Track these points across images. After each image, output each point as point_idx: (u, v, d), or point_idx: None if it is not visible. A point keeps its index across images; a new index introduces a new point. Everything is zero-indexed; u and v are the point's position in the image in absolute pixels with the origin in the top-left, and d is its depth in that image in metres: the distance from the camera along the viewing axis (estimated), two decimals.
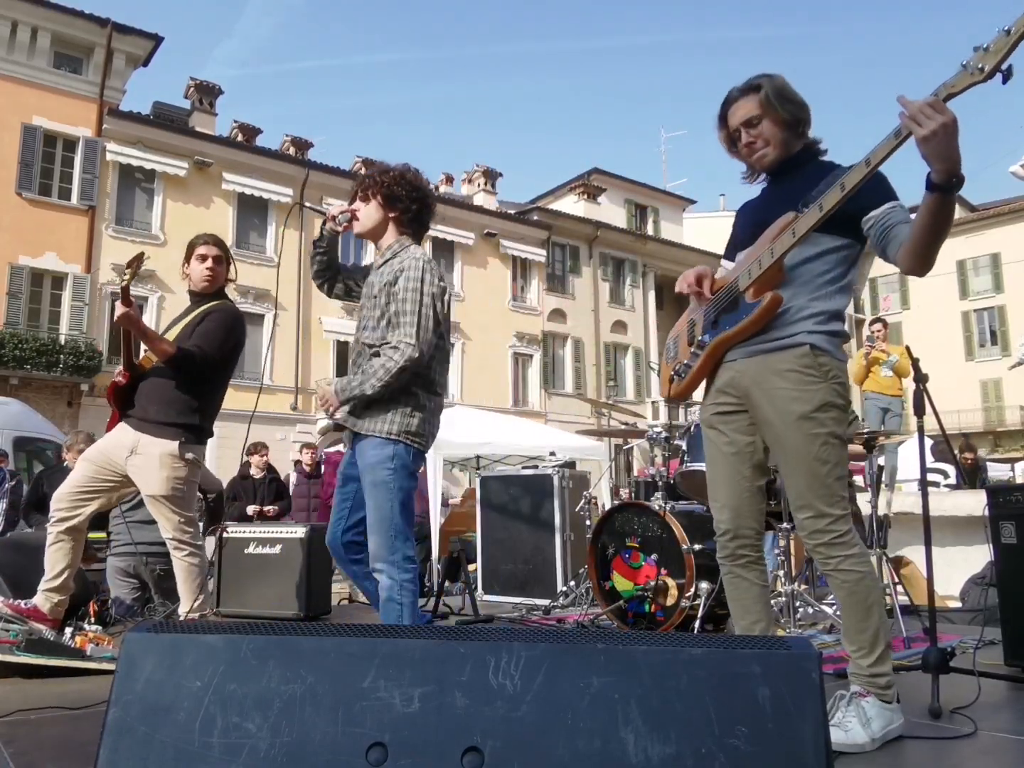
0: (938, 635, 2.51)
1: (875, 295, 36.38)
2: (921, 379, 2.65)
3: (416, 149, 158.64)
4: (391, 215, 2.73)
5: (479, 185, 27.23)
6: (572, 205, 28.69)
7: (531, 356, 26.11)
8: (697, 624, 3.56)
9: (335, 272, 2.90)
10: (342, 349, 22.33)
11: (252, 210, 21.37)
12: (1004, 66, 1.61)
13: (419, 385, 2.63)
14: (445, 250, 24.70)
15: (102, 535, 4.95)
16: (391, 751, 1.11)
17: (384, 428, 2.57)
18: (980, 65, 1.62)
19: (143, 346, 3.22)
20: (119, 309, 3.05)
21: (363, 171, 24.46)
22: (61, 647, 2.91)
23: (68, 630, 3.04)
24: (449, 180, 27.94)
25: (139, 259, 3.06)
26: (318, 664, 1.17)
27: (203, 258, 3.40)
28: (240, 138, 22.73)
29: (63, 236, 18.44)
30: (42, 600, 3.17)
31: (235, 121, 23.35)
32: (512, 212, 26.82)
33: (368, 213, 2.75)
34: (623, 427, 6.11)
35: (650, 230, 30.72)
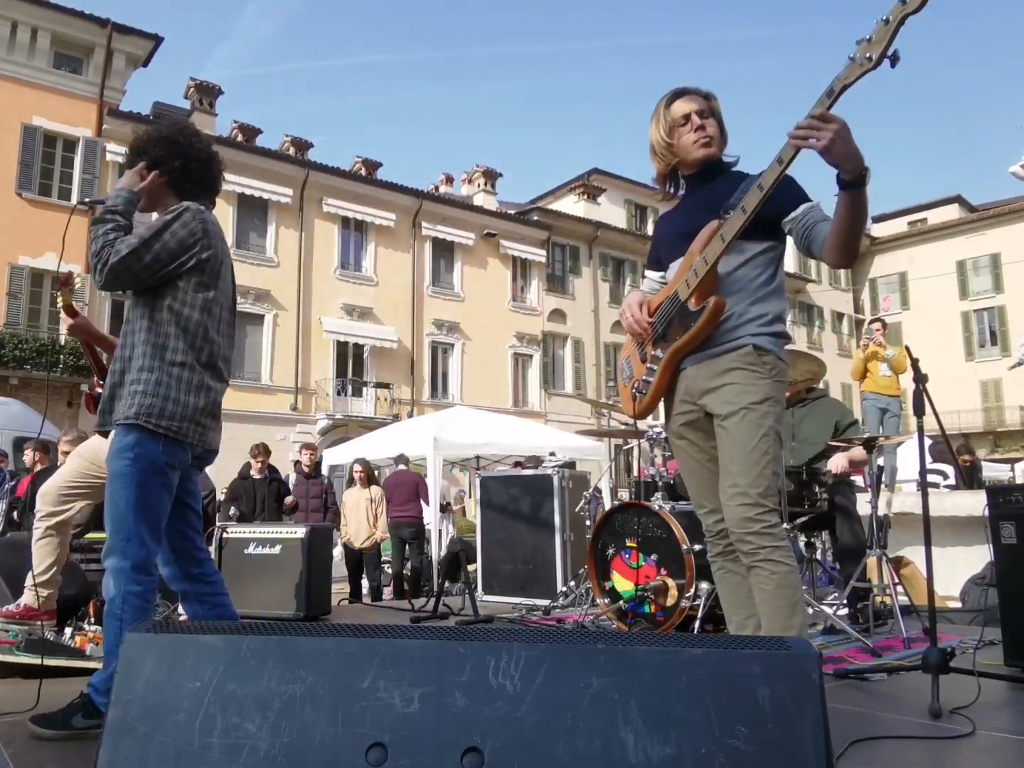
0: (938, 635, 2.51)
1: (875, 295, 36.38)
2: (921, 379, 2.64)
3: (416, 149, 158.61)
4: (159, 181, 2.42)
5: (479, 185, 27.24)
6: (572, 205, 28.70)
7: (531, 356, 26.11)
8: (697, 624, 3.56)
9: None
10: (342, 349, 22.33)
11: (252, 210, 21.37)
12: (890, 52, 1.73)
13: (177, 356, 2.28)
14: (445, 250, 24.71)
15: (103, 535, 4.95)
16: (391, 751, 1.10)
17: (122, 412, 2.24)
18: (868, 55, 1.75)
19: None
20: (66, 323, 2.86)
21: (364, 171, 24.29)
22: (61, 647, 2.91)
23: (68, 630, 3.04)
24: (449, 180, 27.95)
25: (68, 280, 2.86)
26: (318, 664, 1.17)
27: None
28: (240, 138, 22.73)
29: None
30: (31, 597, 3.17)
31: (235, 121, 23.39)
32: (512, 212, 26.82)
33: (133, 175, 2.41)
34: (623, 427, 6.10)
35: (650, 230, 30.70)
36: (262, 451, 7.62)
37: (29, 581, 3.19)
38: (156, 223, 2.28)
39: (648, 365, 2.35)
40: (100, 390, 3.08)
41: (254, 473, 7.55)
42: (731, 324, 2.17)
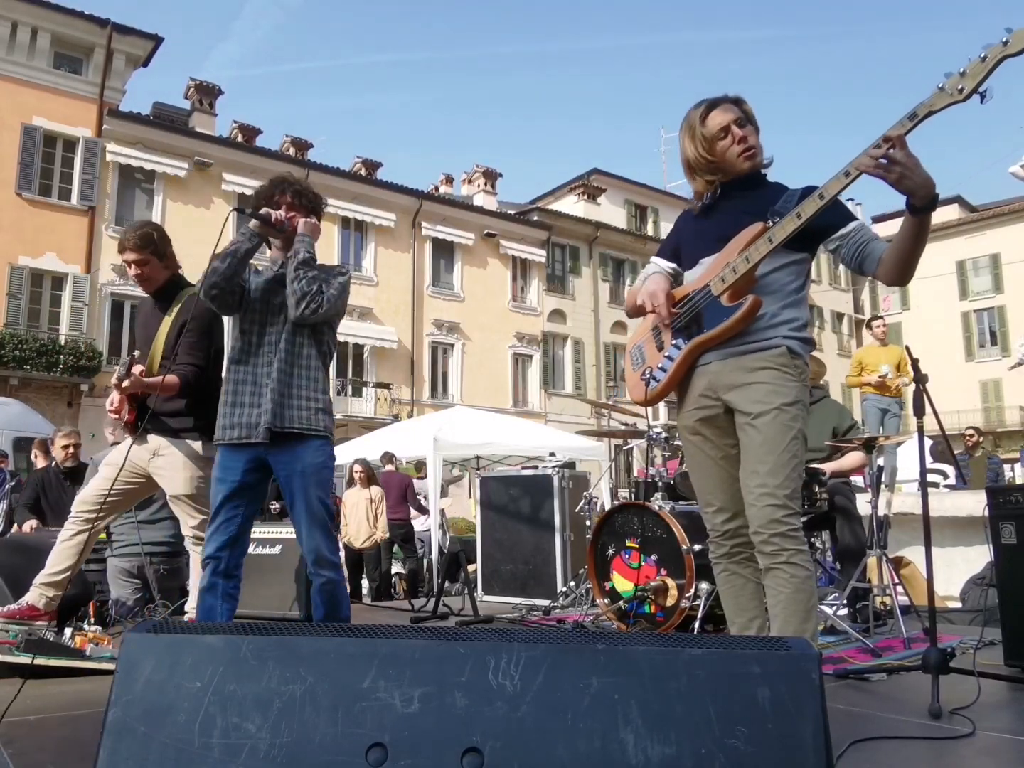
0: (938, 635, 2.51)
1: (875, 295, 36.38)
2: (921, 379, 2.65)
3: (416, 149, 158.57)
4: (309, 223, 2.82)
5: (479, 185, 27.23)
6: (572, 205, 28.68)
7: (531, 356, 26.10)
8: (697, 624, 3.56)
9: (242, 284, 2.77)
10: (342, 349, 22.33)
11: None
12: (982, 89, 1.76)
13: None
14: (445, 250, 24.71)
15: (103, 535, 4.95)
16: (391, 751, 1.10)
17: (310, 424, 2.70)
18: (959, 87, 1.78)
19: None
20: (120, 391, 3.15)
21: (364, 171, 24.25)
22: (61, 647, 2.91)
23: (68, 630, 3.04)
24: (449, 180, 27.93)
25: (133, 361, 3.16)
26: (318, 664, 1.17)
27: (127, 264, 3.33)
28: (240, 138, 22.71)
29: (63, 236, 18.43)
30: (36, 596, 3.18)
31: (235, 122, 23.35)
32: (512, 212, 26.81)
33: (315, 227, 2.81)
34: (623, 427, 6.10)
35: (650, 230, 30.70)
36: None
37: (38, 579, 3.20)
38: (342, 281, 2.77)
39: (665, 354, 2.34)
40: (130, 418, 3.29)
41: None
42: (764, 324, 2.18)
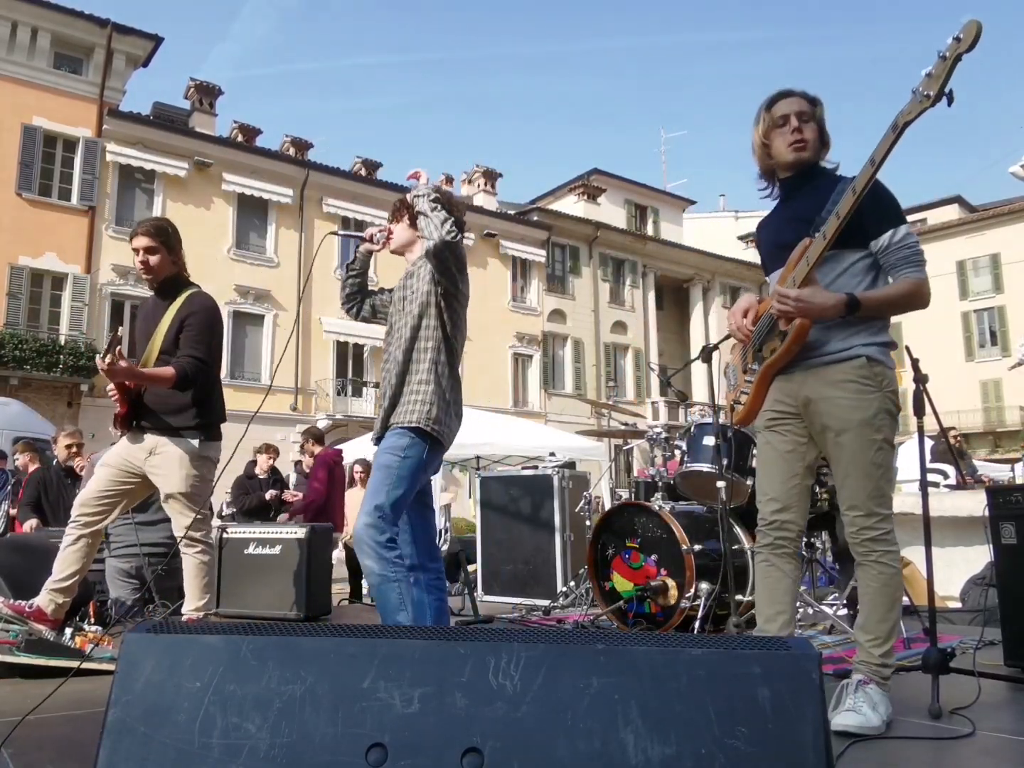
0: (938, 636, 2.50)
1: None
2: (921, 379, 2.64)
3: (416, 150, 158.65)
4: (418, 233, 2.88)
5: (479, 185, 27.23)
6: (572, 205, 28.69)
7: (531, 356, 26.10)
8: (697, 624, 3.56)
9: (365, 295, 3.06)
10: (342, 349, 22.34)
11: (252, 211, 21.37)
12: (947, 89, 1.77)
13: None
14: None
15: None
16: (391, 752, 1.10)
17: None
18: (927, 92, 1.79)
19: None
20: (112, 377, 3.09)
21: (364, 172, 24.34)
22: (61, 647, 2.91)
23: (68, 630, 3.04)
24: (449, 181, 27.89)
25: (116, 340, 3.06)
26: (318, 664, 1.17)
27: (135, 252, 3.33)
28: (240, 139, 22.73)
29: (63, 236, 18.44)
30: (46, 601, 3.18)
31: (235, 122, 23.37)
32: (512, 212, 26.82)
33: (399, 232, 2.98)
34: (623, 427, 6.11)
35: (650, 230, 30.73)
36: (271, 451, 7.63)
37: (48, 584, 3.20)
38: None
39: (747, 378, 2.42)
40: (122, 410, 3.26)
41: (259, 472, 7.56)
42: (841, 333, 2.21)
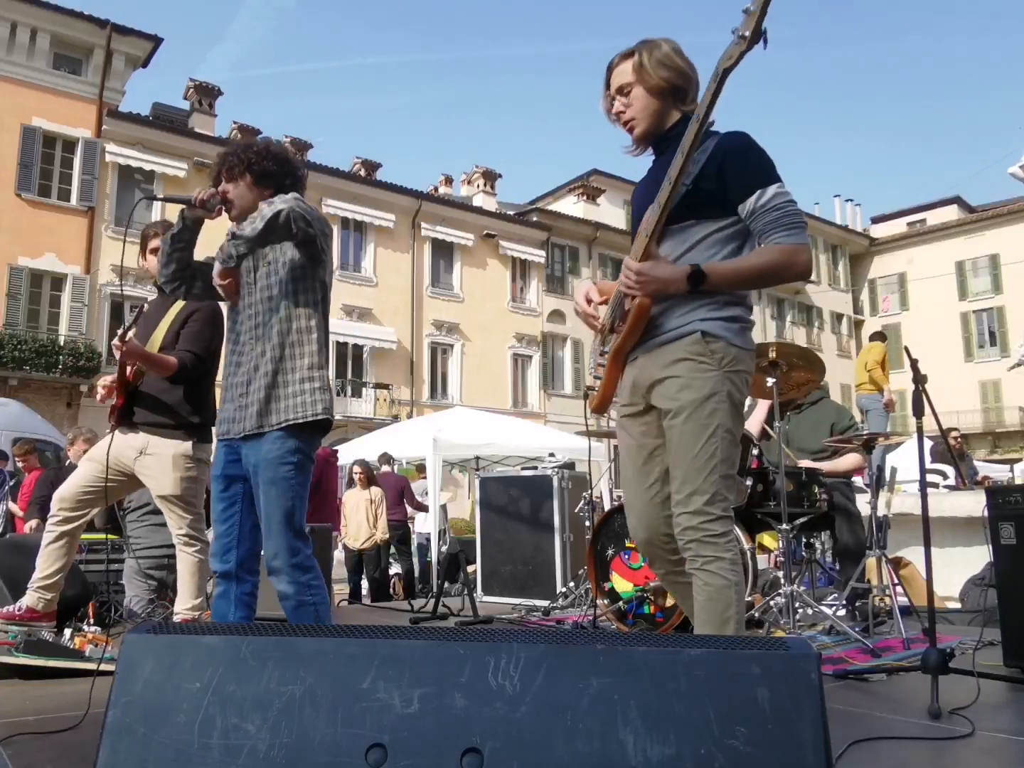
0: (937, 636, 2.51)
1: (874, 296, 36.37)
2: (920, 380, 2.64)
3: (416, 150, 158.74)
4: (266, 194, 2.43)
5: (478, 186, 27.24)
6: (571, 206, 28.68)
7: (530, 357, 26.10)
8: None
9: (193, 270, 2.53)
10: (341, 350, 22.33)
11: None
12: (763, 28, 1.64)
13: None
14: (444, 251, 24.70)
15: (101, 536, 4.95)
16: (390, 752, 1.10)
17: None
18: (743, 33, 1.66)
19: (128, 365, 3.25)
20: (127, 357, 3.12)
21: (363, 172, 24.22)
22: (60, 648, 2.91)
23: (68, 631, 3.04)
24: (448, 181, 27.94)
25: (135, 321, 3.14)
26: (317, 665, 1.17)
27: (156, 252, 3.29)
28: (240, 139, 22.70)
29: (62, 237, 18.43)
30: (34, 599, 3.17)
31: (235, 122, 23.35)
32: (511, 213, 26.82)
33: (241, 194, 2.43)
34: None
35: None
36: None
37: (32, 583, 3.19)
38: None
39: (599, 361, 2.19)
40: (119, 402, 3.26)
41: None
42: (679, 309, 1.96)
